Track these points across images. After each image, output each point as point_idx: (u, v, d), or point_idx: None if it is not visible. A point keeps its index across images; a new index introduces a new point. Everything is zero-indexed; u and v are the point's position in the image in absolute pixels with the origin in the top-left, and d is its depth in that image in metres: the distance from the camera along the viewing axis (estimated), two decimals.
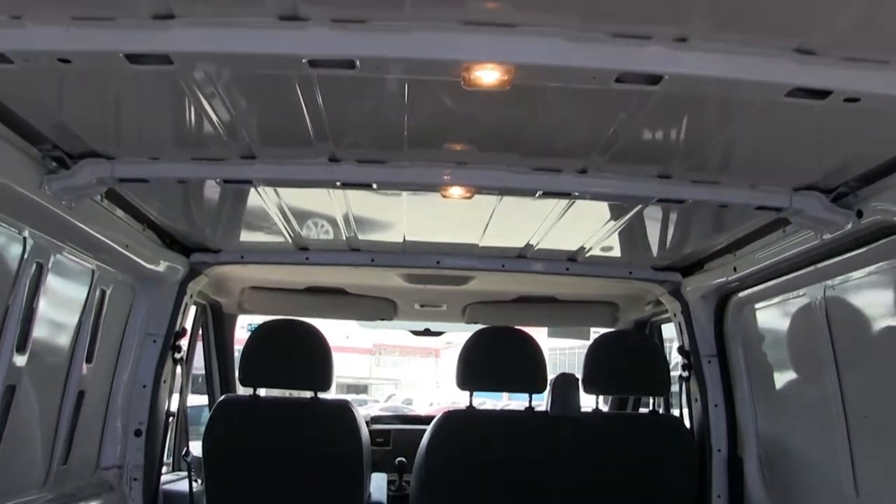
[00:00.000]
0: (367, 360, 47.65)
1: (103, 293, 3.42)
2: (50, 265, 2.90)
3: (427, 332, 5.81)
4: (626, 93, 2.01)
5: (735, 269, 3.57)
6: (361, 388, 38.80)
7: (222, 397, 4.21)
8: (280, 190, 3.08)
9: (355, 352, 44.13)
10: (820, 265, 3.02)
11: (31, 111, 2.34)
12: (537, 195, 2.77)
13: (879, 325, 2.86)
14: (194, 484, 4.06)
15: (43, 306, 2.91)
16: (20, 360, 2.81)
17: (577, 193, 2.77)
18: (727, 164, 2.67)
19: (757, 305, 3.74)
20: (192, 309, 4.95)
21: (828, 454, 3.13)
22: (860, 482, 2.96)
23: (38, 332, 2.91)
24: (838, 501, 3.07)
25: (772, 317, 3.67)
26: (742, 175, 2.73)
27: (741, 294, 3.78)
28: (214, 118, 2.35)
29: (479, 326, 4.20)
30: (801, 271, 3.16)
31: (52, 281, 2.94)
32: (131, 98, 2.31)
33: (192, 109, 2.32)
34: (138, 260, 3.47)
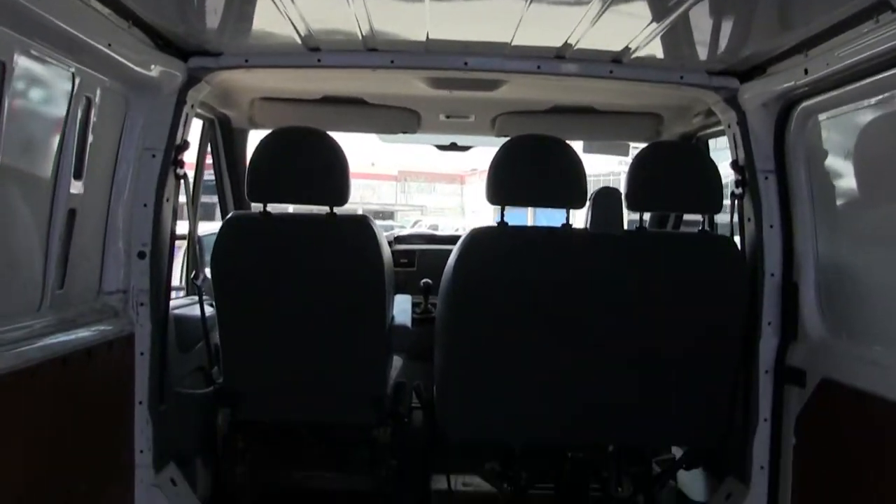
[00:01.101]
0: (392, 186, 47.88)
1: (89, 101, 3.05)
2: (14, 64, 2.50)
3: (454, 147, 5.42)
4: None
5: (806, 71, 3.11)
6: (388, 215, 39.02)
7: (230, 214, 3.92)
8: None
9: (381, 178, 44.29)
10: None
11: None
12: None
13: None
14: (207, 308, 3.86)
15: (10, 112, 2.53)
16: None
17: None
18: None
19: (828, 114, 3.29)
20: (198, 124, 4.60)
21: None
22: None
23: (8, 141, 2.54)
24: None
25: (847, 127, 3.23)
26: None
27: (810, 101, 3.33)
28: None
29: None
30: (892, 70, 2.71)
31: (19, 83, 2.55)
32: None
33: None
34: (127, 63, 3.06)
